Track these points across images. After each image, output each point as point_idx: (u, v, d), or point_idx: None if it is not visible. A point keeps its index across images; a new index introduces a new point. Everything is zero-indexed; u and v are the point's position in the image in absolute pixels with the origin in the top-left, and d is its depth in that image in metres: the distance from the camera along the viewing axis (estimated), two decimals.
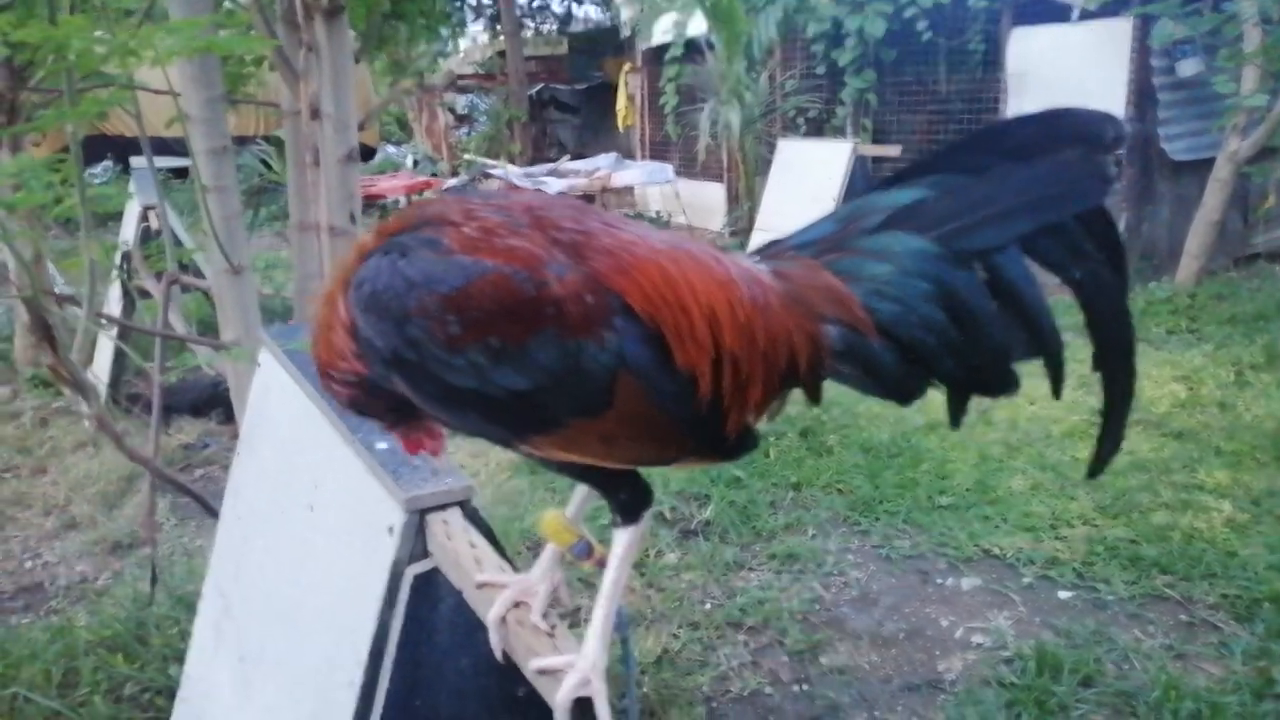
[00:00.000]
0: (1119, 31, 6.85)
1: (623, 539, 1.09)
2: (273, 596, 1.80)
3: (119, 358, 4.84)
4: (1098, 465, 1.11)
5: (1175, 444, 4.12)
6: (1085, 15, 7.18)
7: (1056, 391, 1.06)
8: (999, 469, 3.93)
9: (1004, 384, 1.05)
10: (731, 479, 3.92)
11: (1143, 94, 6.88)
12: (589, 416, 0.97)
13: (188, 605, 2.77)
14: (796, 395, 1.10)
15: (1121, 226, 6.69)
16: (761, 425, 1.09)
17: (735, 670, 2.79)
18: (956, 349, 1.01)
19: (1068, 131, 1.00)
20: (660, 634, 2.92)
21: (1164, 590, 3.05)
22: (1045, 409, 4.57)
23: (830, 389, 1.08)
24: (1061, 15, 7.34)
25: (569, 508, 1.23)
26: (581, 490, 1.21)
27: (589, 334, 0.94)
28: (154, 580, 2.84)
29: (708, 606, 3.10)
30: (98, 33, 1.99)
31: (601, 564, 1.13)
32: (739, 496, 3.77)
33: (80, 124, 1.90)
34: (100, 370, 4.80)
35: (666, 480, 3.88)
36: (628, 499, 1.09)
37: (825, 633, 2.96)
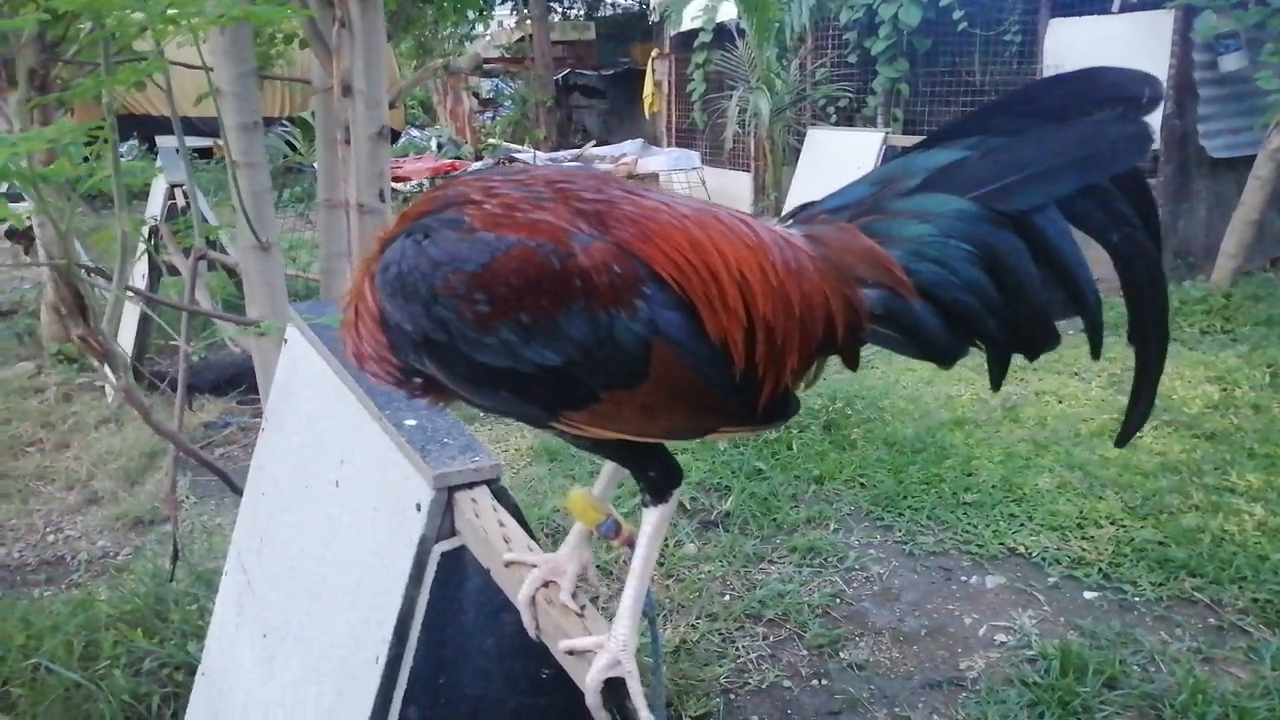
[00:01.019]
0: (1160, 24, 6.70)
1: (652, 518, 1.07)
2: (297, 573, 1.80)
3: (141, 335, 4.87)
4: (1127, 434, 1.10)
5: (1207, 445, 4.06)
6: (1126, 7, 7.06)
7: (1095, 352, 1.05)
8: (1025, 467, 3.89)
9: (1045, 342, 1.04)
10: (753, 471, 3.90)
11: (1183, 89, 6.73)
12: (626, 388, 0.96)
13: (207, 582, 2.79)
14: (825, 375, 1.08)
15: None
16: (799, 393, 1.07)
17: (754, 663, 2.78)
18: (998, 310, 1.00)
19: (1104, 91, 0.98)
20: (679, 625, 2.91)
21: (1192, 593, 3.01)
22: (1074, 407, 4.52)
23: (858, 377, 1.07)
24: (1101, 7, 7.23)
25: (596, 486, 1.21)
26: (609, 469, 1.20)
27: (619, 304, 0.92)
28: (175, 556, 2.85)
29: (727, 598, 3.09)
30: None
31: (629, 543, 1.12)
32: (760, 489, 3.75)
33: (115, 94, 1.90)
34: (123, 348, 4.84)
35: (688, 470, 3.87)
36: (657, 476, 1.07)
37: (846, 628, 2.94)
